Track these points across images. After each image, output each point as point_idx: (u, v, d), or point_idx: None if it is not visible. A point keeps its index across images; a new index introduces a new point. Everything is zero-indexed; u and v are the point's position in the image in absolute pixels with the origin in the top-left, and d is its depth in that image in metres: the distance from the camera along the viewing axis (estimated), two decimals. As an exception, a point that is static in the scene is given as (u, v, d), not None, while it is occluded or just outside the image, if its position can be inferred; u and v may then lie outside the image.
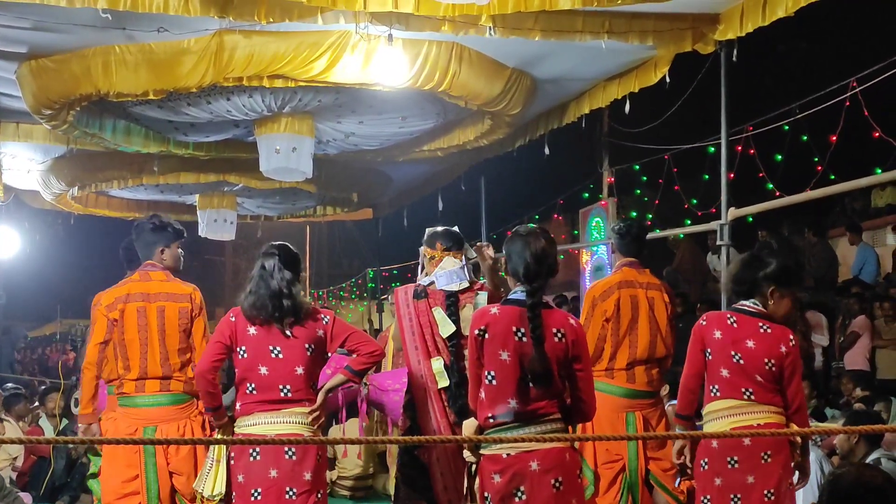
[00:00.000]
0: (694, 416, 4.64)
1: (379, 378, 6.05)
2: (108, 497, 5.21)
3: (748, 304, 4.52)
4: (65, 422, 9.12)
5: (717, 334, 4.48)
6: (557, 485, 3.95)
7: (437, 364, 5.16)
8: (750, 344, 4.42)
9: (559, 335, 4.00)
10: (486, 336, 4.01)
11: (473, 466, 4.15)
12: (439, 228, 5.45)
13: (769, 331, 4.45)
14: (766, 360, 4.40)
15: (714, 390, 4.48)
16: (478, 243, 5.16)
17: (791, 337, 4.46)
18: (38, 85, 8.41)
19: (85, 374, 5.21)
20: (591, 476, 5.33)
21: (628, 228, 5.66)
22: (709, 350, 4.50)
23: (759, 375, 4.39)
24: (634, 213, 13.30)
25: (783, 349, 4.42)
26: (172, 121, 9.76)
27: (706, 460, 4.50)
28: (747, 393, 4.40)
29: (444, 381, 5.14)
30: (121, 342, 5.19)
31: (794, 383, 4.44)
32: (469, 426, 4.16)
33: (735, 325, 4.47)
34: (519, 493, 3.94)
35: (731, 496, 4.38)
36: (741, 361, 4.41)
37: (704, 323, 4.56)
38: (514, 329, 3.98)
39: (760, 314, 4.49)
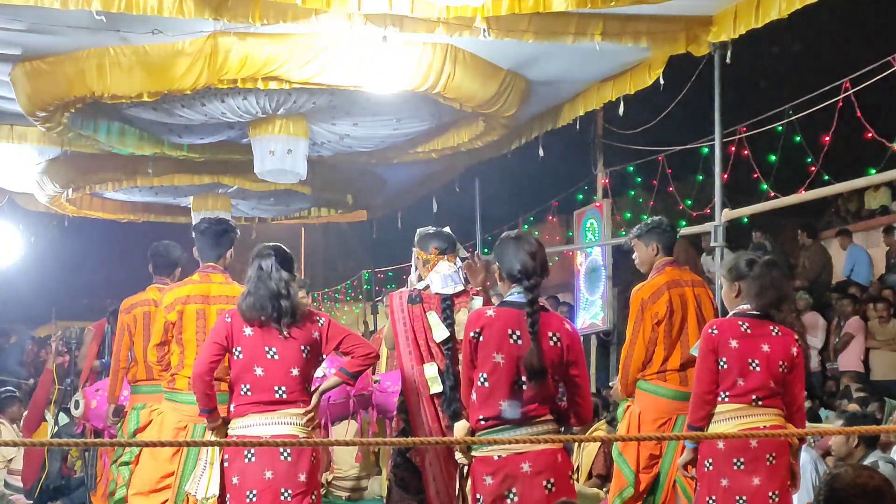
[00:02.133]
0: (706, 427, 4.51)
1: (380, 379, 6.06)
2: (140, 486, 5.28)
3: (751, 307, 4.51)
4: (64, 419, 9.07)
5: (734, 343, 4.41)
6: (549, 486, 3.94)
7: (430, 370, 5.11)
8: (765, 348, 4.41)
9: (554, 339, 3.99)
10: (481, 339, 3.99)
11: (465, 468, 4.14)
12: (431, 230, 5.32)
13: (779, 334, 4.45)
14: (780, 363, 4.41)
15: (723, 396, 4.44)
16: (467, 261, 5.13)
17: (796, 338, 4.49)
18: (33, 87, 8.41)
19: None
20: (632, 478, 5.18)
21: (671, 223, 5.45)
22: (723, 359, 4.42)
23: (773, 380, 4.39)
24: (629, 215, 13.30)
25: (794, 351, 4.44)
26: (167, 123, 9.75)
27: (710, 461, 4.48)
28: (756, 398, 4.40)
29: (436, 387, 5.09)
30: (178, 341, 5.25)
31: (800, 384, 4.47)
32: (460, 428, 4.14)
33: (749, 330, 4.44)
34: (510, 495, 3.94)
35: (737, 497, 4.38)
36: (758, 368, 4.38)
37: (716, 332, 4.46)
38: (510, 332, 3.97)
39: (768, 317, 4.48)
